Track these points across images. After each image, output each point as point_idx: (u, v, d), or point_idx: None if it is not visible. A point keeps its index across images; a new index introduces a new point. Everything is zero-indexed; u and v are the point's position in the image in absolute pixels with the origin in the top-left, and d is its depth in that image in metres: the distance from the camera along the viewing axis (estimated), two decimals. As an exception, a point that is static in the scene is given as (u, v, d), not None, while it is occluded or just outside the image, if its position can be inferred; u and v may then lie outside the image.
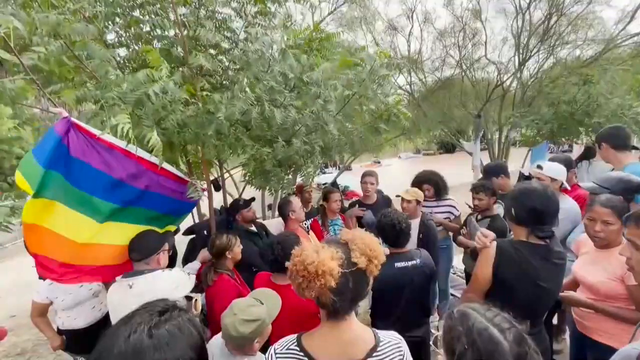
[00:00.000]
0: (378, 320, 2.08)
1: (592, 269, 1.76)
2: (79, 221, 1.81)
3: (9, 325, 3.51)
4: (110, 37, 2.26)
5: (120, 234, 1.98)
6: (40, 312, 2.31)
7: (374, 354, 1.02)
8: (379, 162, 23.92)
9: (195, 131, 1.93)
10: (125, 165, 1.85)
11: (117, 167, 1.82)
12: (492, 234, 1.61)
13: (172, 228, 2.51)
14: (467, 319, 0.91)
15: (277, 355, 1.05)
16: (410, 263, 1.98)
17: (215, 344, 1.54)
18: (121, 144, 1.77)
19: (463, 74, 8.04)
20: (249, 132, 2.29)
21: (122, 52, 2.33)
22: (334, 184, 5.76)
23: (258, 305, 1.46)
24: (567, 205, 2.31)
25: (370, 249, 0.99)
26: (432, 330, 2.16)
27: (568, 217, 2.27)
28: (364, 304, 3.89)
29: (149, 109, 1.68)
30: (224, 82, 2.38)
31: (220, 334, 1.52)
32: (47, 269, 1.79)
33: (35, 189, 1.62)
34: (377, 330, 1.10)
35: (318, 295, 0.94)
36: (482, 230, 1.66)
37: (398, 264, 1.97)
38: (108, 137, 1.75)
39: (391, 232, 2.01)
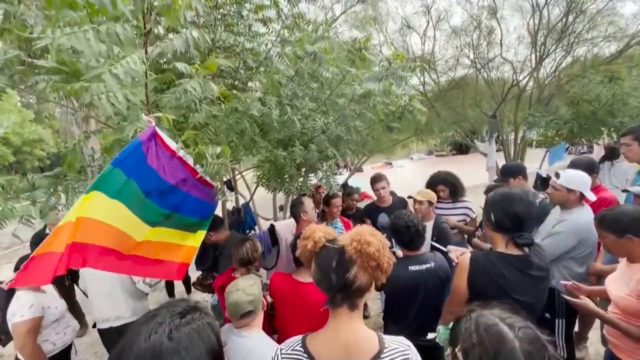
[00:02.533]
0: (391, 323, 2.05)
1: (617, 281, 1.68)
2: (136, 224, 1.87)
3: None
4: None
5: (163, 235, 2.06)
6: (35, 331, 2.01)
7: None
8: (390, 164, 23.73)
9: (214, 131, 1.94)
10: (180, 171, 1.92)
11: (176, 174, 1.89)
12: (460, 249, 1.59)
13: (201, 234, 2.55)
14: (479, 317, 0.91)
15: (283, 356, 1.05)
16: (424, 266, 1.94)
17: (224, 332, 1.61)
18: (181, 152, 1.85)
19: (477, 73, 7.89)
20: (262, 133, 2.29)
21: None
22: (345, 185, 5.72)
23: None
24: (579, 219, 2.16)
25: (359, 234, 1.01)
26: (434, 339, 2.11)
27: (573, 232, 2.12)
28: (376, 307, 3.85)
29: (175, 110, 1.71)
30: (237, 82, 2.39)
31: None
32: (84, 255, 1.71)
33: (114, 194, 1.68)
34: (383, 336, 1.07)
35: (306, 260, 1.11)
36: (450, 247, 1.65)
37: (412, 267, 1.93)
38: (172, 145, 1.81)
39: (405, 233, 1.97)
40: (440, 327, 1.71)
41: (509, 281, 1.43)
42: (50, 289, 2.32)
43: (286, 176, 2.49)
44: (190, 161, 1.90)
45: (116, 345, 0.73)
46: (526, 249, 1.48)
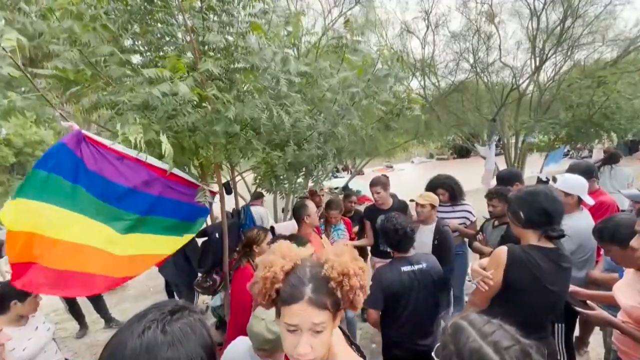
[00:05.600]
0: (386, 325, 2.06)
1: (626, 290, 1.65)
2: (96, 228, 1.81)
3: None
4: (128, 42, 2.32)
5: (142, 244, 2.02)
6: None
7: None
8: (391, 167, 23.76)
9: (205, 133, 1.94)
10: (138, 173, 1.88)
11: (129, 175, 1.85)
12: (484, 272, 1.56)
13: (190, 237, 2.50)
14: (460, 335, 0.81)
15: None
16: (416, 267, 1.98)
17: (243, 350, 1.50)
18: (131, 152, 1.79)
19: (477, 77, 7.91)
20: (258, 136, 2.30)
21: (135, 59, 2.38)
22: (346, 188, 5.73)
23: None
24: (578, 224, 2.16)
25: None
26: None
27: (574, 236, 2.08)
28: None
29: (159, 111, 1.70)
30: (232, 85, 2.40)
31: (239, 339, 1.55)
32: (37, 279, 1.65)
33: (38, 196, 1.62)
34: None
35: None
36: (473, 267, 1.62)
37: (404, 268, 1.97)
38: (118, 147, 1.78)
39: (393, 236, 2.01)
40: None
41: (545, 272, 1.48)
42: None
43: (281, 177, 2.49)
44: (150, 160, 1.86)
45: (106, 345, 0.72)
46: (556, 242, 1.54)
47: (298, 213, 2.71)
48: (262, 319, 1.41)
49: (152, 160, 1.92)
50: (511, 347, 0.75)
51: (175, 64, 1.74)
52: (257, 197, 4.57)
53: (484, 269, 1.58)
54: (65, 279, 1.72)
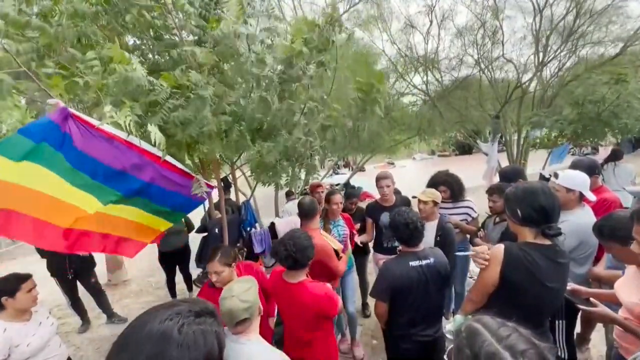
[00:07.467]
0: (393, 318, 2.07)
1: (628, 287, 1.64)
2: (78, 195, 1.76)
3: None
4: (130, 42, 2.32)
5: (127, 213, 2.01)
6: None
7: None
8: (392, 164, 23.73)
9: (197, 129, 1.92)
10: (127, 155, 1.83)
11: (119, 157, 1.80)
12: (484, 249, 1.59)
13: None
14: (476, 339, 0.81)
15: None
16: (424, 262, 1.98)
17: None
18: (122, 134, 1.75)
19: (481, 73, 7.83)
20: (248, 125, 2.28)
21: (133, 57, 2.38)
22: (347, 184, 5.72)
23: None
24: (580, 220, 2.13)
25: None
26: (447, 335, 2.11)
27: (574, 232, 2.07)
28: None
29: (144, 96, 1.69)
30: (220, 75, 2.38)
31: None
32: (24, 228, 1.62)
33: (21, 157, 1.57)
34: None
35: None
36: (475, 249, 1.64)
37: (412, 263, 1.97)
38: (107, 128, 1.72)
39: (404, 230, 2.00)
40: (457, 316, 1.74)
41: (543, 270, 1.49)
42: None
43: (276, 167, 2.46)
44: (144, 145, 1.85)
45: (135, 318, 0.78)
46: (553, 238, 1.53)
47: (298, 209, 2.69)
48: (233, 295, 1.47)
49: (145, 146, 1.87)
50: (527, 351, 0.75)
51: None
52: (289, 194, 4.92)
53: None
54: (40, 227, 1.68)
